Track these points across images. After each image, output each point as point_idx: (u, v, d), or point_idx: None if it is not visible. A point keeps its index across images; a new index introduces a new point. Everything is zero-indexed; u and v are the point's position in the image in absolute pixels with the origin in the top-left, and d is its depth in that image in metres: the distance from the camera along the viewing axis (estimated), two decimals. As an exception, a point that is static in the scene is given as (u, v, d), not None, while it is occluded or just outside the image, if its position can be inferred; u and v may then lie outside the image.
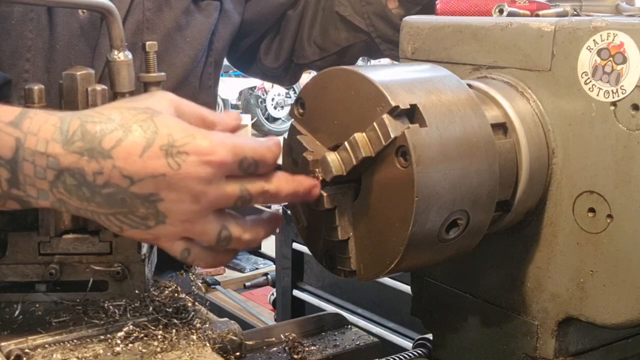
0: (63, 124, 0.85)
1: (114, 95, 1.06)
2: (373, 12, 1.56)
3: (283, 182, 0.90)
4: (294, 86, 11.80)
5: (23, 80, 1.31)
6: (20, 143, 0.84)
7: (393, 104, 0.82)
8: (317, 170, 0.89)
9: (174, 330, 0.98)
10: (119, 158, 0.83)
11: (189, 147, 0.84)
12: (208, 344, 0.96)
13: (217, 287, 4.81)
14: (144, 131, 0.84)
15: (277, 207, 4.01)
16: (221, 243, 0.89)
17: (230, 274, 5.15)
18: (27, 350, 0.92)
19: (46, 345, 0.94)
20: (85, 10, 1.28)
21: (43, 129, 0.84)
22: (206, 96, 1.55)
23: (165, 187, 0.84)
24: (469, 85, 0.92)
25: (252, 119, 11.22)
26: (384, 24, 1.56)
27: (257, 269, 5.24)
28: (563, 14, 1.02)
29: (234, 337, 1.00)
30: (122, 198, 0.84)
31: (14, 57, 1.30)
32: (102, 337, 0.96)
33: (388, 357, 1.12)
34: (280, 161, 1.00)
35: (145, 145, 0.83)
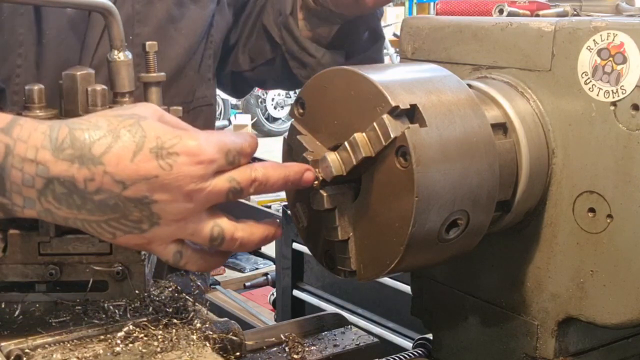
0: (52, 131, 0.85)
1: (114, 95, 1.06)
2: (282, 24, 1.56)
3: (270, 169, 0.91)
4: (294, 86, 11.78)
5: (15, 75, 1.31)
6: (10, 150, 0.84)
7: (393, 104, 0.82)
8: (317, 170, 0.89)
9: (174, 330, 0.98)
10: (110, 164, 0.84)
11: (178, 148, 0.85)
12: (208, 344, 0.96)
13: (217, 287, 4.81)
14: (132, 135, 0.85)
15: (277, 207, 4.01)
16: (214, 241, 0.90)
17: (230, 274, 5.15)
18: (27, 350, 0.92)
19: (46, 345, 0.94)
20: None
21: (33, 137, 0.85)
22: (205, 89, 1.55)
23: (159, 188, 0.85)
24: (469, 85, 0.92)
25: (252, 119, 11.22)
26: (290, 38, 1.55)
27: (257, 269, 5.24)
28: (563, 14, 1.02)
29: (234, 337, 1.00)
30: (115, 203, 0.85)
31: (6, 51, 1.30)
32: (102, 337, 0.96)
33: (388, 357, 1.12)
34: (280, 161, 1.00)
35: (135, 149, 0.85)
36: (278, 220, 0.95)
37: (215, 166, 0.87)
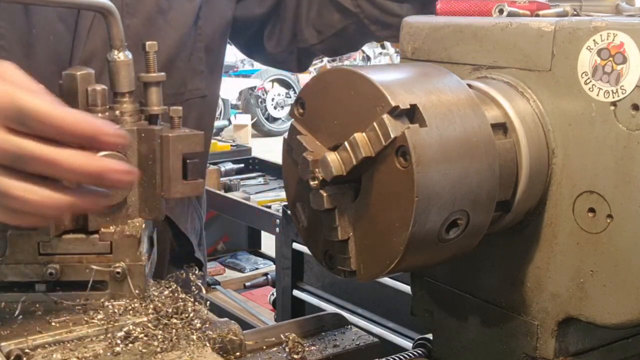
0: None
1: (114, 95, 1.06)
2: None
3: (78, 156, 0.88)
4: (294, 86, 11.81)
5: None
6: None
7: (393, 104, 0.82)
8: (317, 170, 0.89)
9: (174, 330, 0.98)
10: None
11: None
12: (208, 344, 0.96)
13: (217, 287, 4.81)
14: None
15: (277, 207, 4.01)
16: None
17: (230, 274, 5.16)
18: (27, 350, 0.92)
19: (46, 345, 0.94)
20: None
21: None
22: (198, 81, 1.54)
23: None
24: (469, 85, 0.92)
25: (252, 119, 11.23)
26: (369, 4, 1.56)
27: (257, 269, 5.25)
28: (563, 14, 1.02)
29: (234, 337, 1.00)
30: None
31: None
32: (102, 337, 0.96)
33: (388, 357, 1.12)
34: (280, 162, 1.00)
35: None
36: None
37: None
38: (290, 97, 11.81)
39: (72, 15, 1.33)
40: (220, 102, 10.93)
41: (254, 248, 5.60)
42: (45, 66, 1.28)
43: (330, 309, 2.91)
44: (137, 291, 1.04)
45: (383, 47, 12.35)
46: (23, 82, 0.90)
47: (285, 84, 12.10)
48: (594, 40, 0.88)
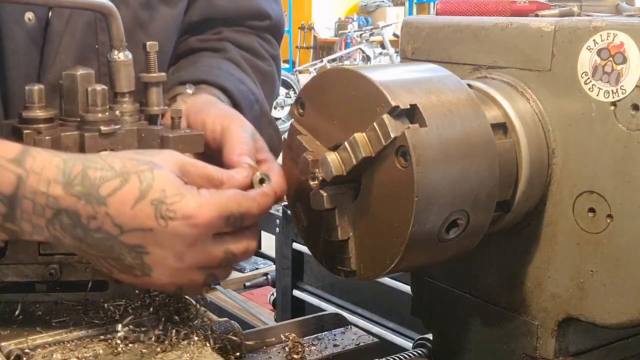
0: (66, 166, 0.88)
1: (114, 95, 1.06)
2: None
3: (266, 199, 0.95)
4: (294, 86, 11.78)
5: None
6: (22, 180, 0.87)
7: (393, 104, 0.82)
8: (317, 170, 0.89)
9: (174, 330, 0.98)
10: (112, 206, 0.87)
11: (176, 207, 0.87)
12: (208, 344, 0.96)
13: (217, 287, 4.80)
14: (139, 182, 0.87)
15: (277, 207, 4.01)
16: (207, 285, 0.96)
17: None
18: (27, 350, 0.92)
19: (46, 345, 0.94)
20: (31, 18, 1.24)
21: (46, 169, 0.88)
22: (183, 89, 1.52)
23: (152, 241, 0.88)
24: (469, 85, 0.92)
25: (252, 119, 11.21)
26: None
27: (257, 269, 5.24)
28: (569, 14, 1.02)
29: (234, 337, 1.00)
30: (111, 245, 0.88)
31: None
32: (102, 337, 0.96)
33: (388, 357, 1.12)
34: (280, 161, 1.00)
35: (138, 197, 0.87)
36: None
37: (212, 229, 0.90)
38: (290, 97, 11.79)
39: (40, 37, 1.27)
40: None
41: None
42: (19, 86, 1.25)
43: (330, 309, 2.91)
44: (137, 291, 1.04)
45: (383, 47, 12.35)
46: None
47: (285, 84, 12.09)
48: (594, 40, 0.88)
